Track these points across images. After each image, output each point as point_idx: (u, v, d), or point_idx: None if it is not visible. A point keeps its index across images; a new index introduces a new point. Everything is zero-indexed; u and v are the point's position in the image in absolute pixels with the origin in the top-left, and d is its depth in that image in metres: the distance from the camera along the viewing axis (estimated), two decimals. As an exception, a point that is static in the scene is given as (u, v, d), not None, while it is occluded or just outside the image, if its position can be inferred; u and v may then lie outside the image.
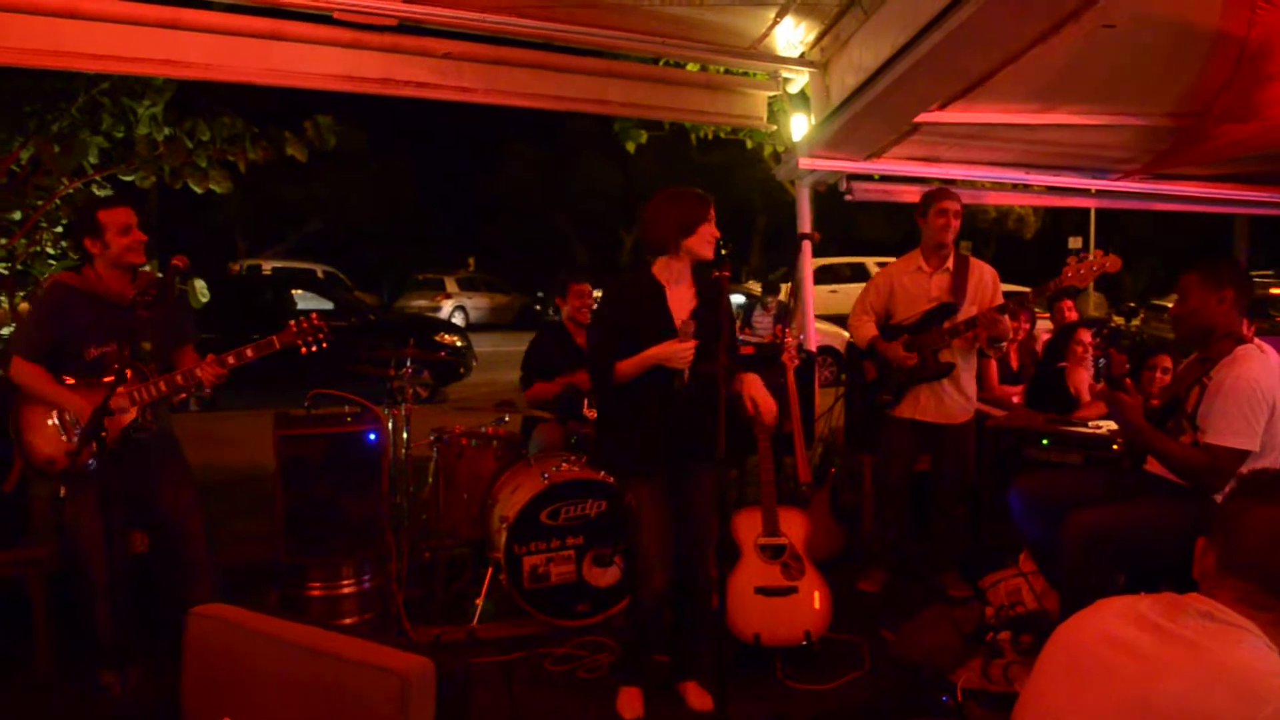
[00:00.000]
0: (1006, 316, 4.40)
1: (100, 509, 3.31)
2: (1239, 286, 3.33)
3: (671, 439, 3.33)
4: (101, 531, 3.34)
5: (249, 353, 3.47)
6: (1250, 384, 3.15)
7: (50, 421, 3.45)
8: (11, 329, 5.69)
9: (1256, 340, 3.33)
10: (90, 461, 3.31)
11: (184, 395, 3.67)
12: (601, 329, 3.44)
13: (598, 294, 4.69)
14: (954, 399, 4.57)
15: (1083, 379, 5.47)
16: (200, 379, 3.44)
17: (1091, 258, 4.27)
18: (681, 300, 3.38)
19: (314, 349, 3.60)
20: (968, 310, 4.49)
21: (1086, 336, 5.58)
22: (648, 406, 3.30)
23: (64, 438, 3.45)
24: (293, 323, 3.59)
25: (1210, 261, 3.39)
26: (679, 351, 3.20)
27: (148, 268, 3.66)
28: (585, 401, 4.75)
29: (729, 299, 3.58)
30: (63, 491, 3.39)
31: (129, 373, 3.37)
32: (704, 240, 3.28)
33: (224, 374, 3.47)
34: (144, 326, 3.37)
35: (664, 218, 3.32)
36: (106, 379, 3.40)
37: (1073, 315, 6.48)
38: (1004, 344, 4.60)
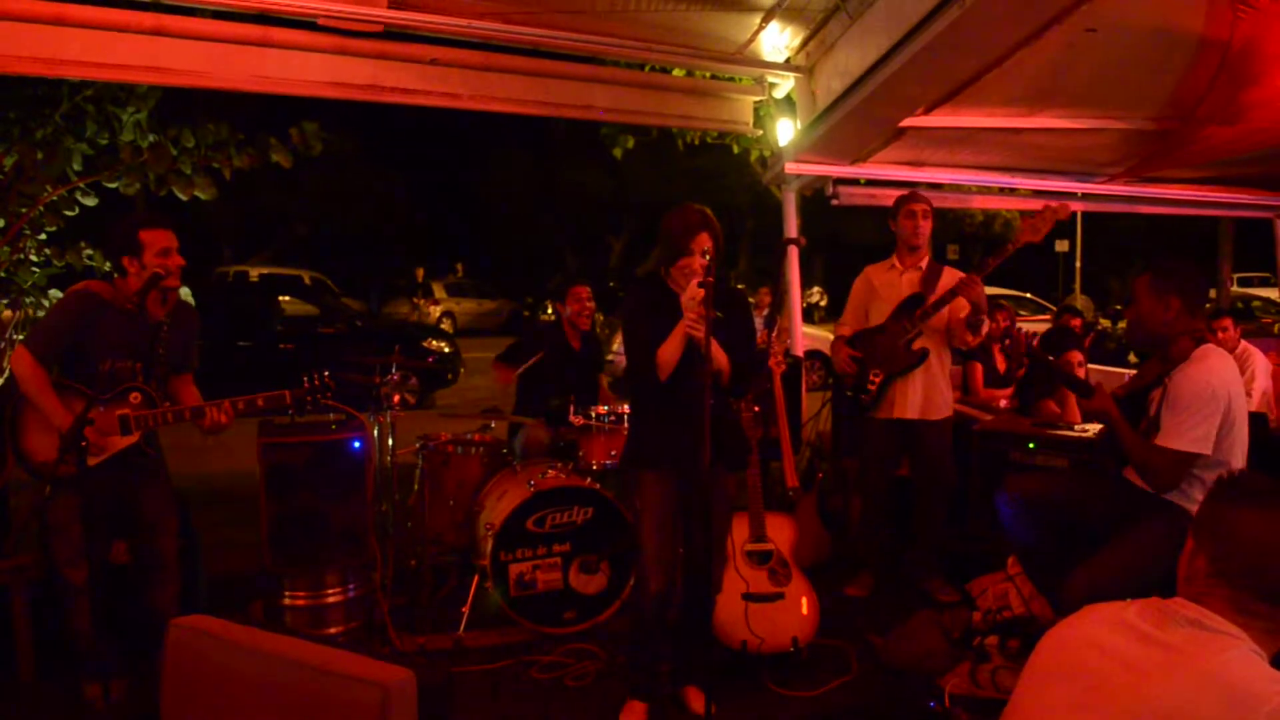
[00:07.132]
0: (981, 281, 4.36)
1: (83, 515, 3.28)
2: (1185, 293, 3.25)
3: (690, 437, 3.22)
4: (83, 538, 3.30)
5: (259, 402, 3.48)
6: (1203, 385, 3.12)
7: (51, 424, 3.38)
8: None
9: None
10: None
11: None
12: (633, 326, 3.40)
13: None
14: (933, 392, 4.58)
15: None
16: (214, 419, 3.41)
17: (1045, 211, 4.27)
18: None
19: (321, 402, 3.63)
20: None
21: (1078, 357, 5.64)
22: (674, 402, 3.29)
23: None
24: (305, 379, 3.59)
25: (1161, 265, 3.33)
26: (687, 299, 3.14)
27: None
28: (571, 408, 4.73)
29: (745, 309, 3.60)
30: (48, 490, 3.35)
31: (137, 396, 3.38)
32: (681, 273, 3.27)
33: (229, 422, 3.45)
34: (164, 348, 3.41)
35: (661, 236, 3.35)
36: (112, 393, 3.39)
37: (1075, 323, 6.49)
38: (983, 328, 4.54)
